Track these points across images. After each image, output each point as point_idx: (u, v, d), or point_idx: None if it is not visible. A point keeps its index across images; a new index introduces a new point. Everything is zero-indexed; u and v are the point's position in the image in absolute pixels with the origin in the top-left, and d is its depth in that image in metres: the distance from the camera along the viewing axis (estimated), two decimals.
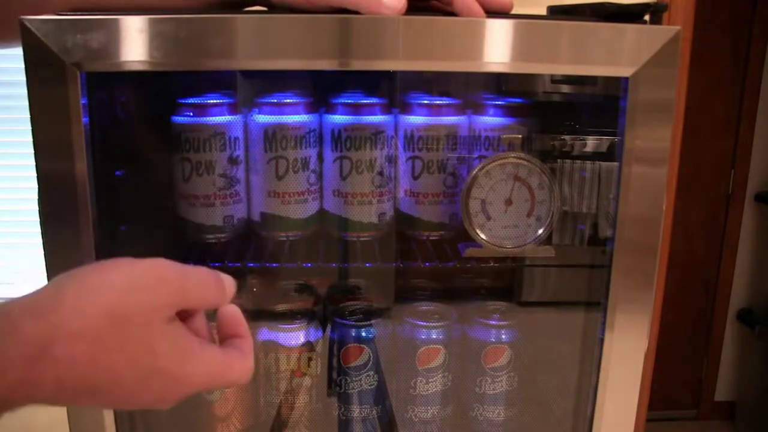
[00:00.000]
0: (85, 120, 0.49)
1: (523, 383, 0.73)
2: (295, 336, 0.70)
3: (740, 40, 2.09)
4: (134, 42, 0.48)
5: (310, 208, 0.66)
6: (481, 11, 0.50)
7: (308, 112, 0.64)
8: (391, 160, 0.66)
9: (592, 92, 0.62)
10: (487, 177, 0.60)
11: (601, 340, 0.57)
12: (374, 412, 0.72)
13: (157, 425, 0.65)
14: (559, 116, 0.64)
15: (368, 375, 0.71)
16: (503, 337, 0.72)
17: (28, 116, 0.48)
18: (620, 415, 0.59)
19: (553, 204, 0.61)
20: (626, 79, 0.51)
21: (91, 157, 0.50)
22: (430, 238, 0.68)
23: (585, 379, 0.62)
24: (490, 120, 0.65)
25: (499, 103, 0.65)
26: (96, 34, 0.47)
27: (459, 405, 0.75)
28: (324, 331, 0.73)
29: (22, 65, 0.47)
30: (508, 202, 0.61)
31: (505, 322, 0.72)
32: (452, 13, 0.50)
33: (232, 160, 0.64)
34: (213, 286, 0.39)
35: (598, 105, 0.62)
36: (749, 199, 2.19)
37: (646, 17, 0.53)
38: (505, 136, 0.62)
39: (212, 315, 0.41)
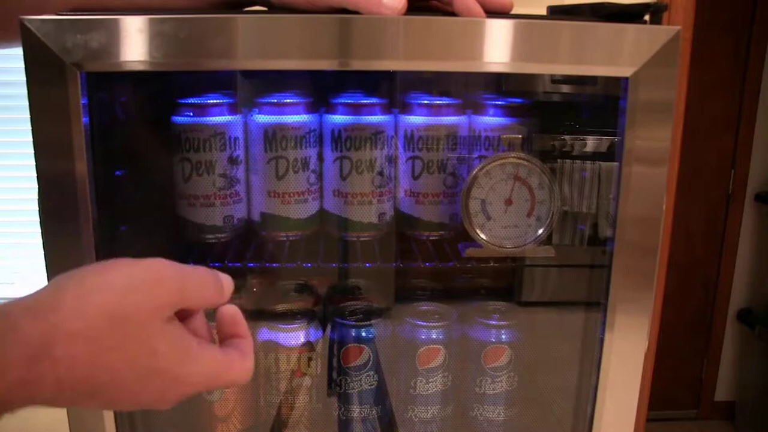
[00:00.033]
0: (85, 120, 0.49)
1: (523, 383, 0.73)
2: (295, 336, 0.70)
3: (740, 40, 2.09)
4: (134, 42, 0.48)
5: (310, 208, 0.66)
6: (481, 11, 0.50)
7: (308, 112, 0.64)
8: (391, 160, 0.66)
9: (592, 92, 0.62)
10: (487, 177, 0.60)
11: (601, 340, 0.57)
12: (374, 412, 0.72)
13: (157, 426, 0.65)
14: (559, 116, 0.64)
15: (368, 375, 0.71)
16: (503, 337, 0.72)
17: (28, 116, 0.48)
18: (620, 415, 0.59)
19: (553, 204, 0.61)
20: (626, 79, 0.51)
21: (91, 157, 0.50)
22: (430, 238, 0.68)
23: (585, 379, 0.62)
24: (490, 120, 0.65)
25: (499, 103, 0.65)
26: (96, 34, 0.47)
27: (459, 405, 0.75)
28: (324, 331, 0.73)
29: (22, 65, 0.47)
30: (508, 202, 0.61)
31: (505, 322, 0.72)
32: (452, 13, 0.50)
33: (232, 160, 0.64)
34: (211, 286, 0.39)
35: (598, 105, 0.62)
36: (749, 199, 2.19)
37: (646, 17, 0.53)
38: (505, 136, 0.62)
39: (212, 315, 0.41)
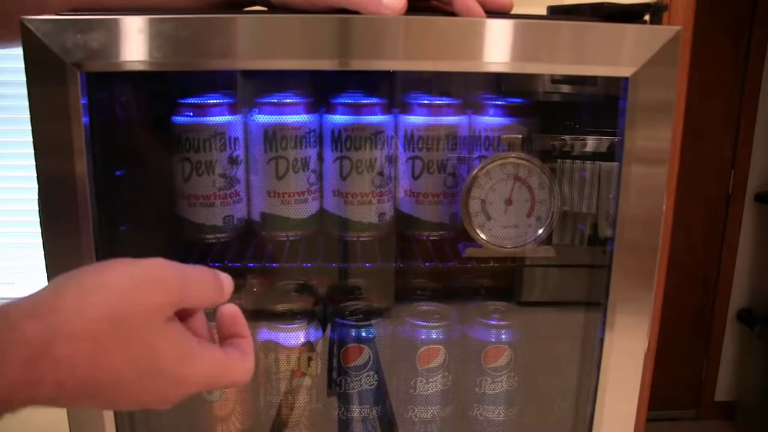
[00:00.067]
0: (85, 120, 0.49)
1: (523, 383, 0.73)
2: (295, 336, 0.70)
3: (740, 40, 2.09)
4: (134, 42, 0.48)
5: (310, 208, 0.66)
6: (481, 11, 0.50)
7: (308, 112, 0.64)
8: (391, 160, 0.66)
9: (592, 92, 0.62)
10: (487, 177, 0.60)
11: (601, 340, 0.57)
12: (374, 412, 0.72)
13: (157, 426, 0.65)
14: (559, 116, 0.64)
15: (368, 375, 0.71)
16: (503, 337, 0.72)
17: (28, 116, 0.48)
18: (620, 415, 0.59)
19: (553, 204, 0.61)
20: (626, 79, 0.51)
21: (91, 157, 0.50)
22: (430, 238, 0.68)
23: (585, 379, 0.62)
24: (490, 120, 0.65)
25: (499, 103, 0.65)
26: (96, 34, 0.47)
27: (459, 405, 0.75)
28: (324, 331, 0.73)
29: (22, 65, 0.47)
30: (508, 202, 0.61)
31: (505, 322, 0.72)
32: (452, 13, 0.50)
33: (232, 160, 0.64)
34: (211, 285, 0.39)
35: (598, 105, 0.62)
36: (749, 199, 2.19)
37: (646, 17, 0.53)
38: (505, 136, 0.62)
39: (212, 315, 0.41)
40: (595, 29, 0.51)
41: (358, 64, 0.50)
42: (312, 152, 0.65)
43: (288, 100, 0.64)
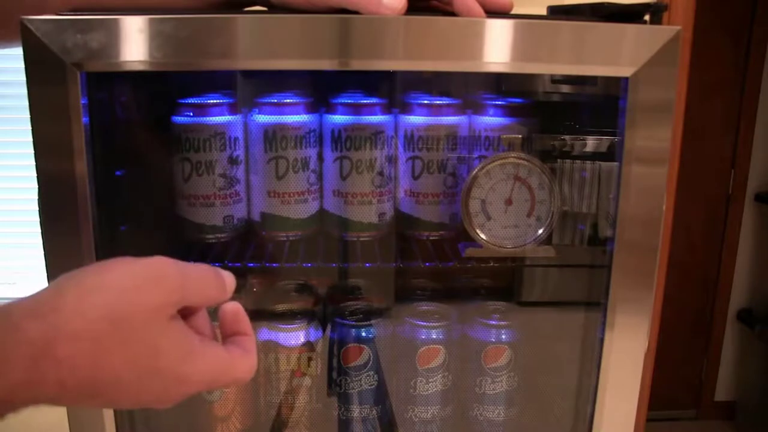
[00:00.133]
0: (85, 120, 0.49)
1: (523, 383, 0.73)
2: (295, 336, 0.70)
3: (740, 40, 2.09)
4: (134, 42, 0.48)
5: (310, 208, 0.66)
6: (481, 11, 0.50)
7: (308, 112, 0.64)
8: (391, 160, 0.66)
9: (592, 92, 0.62)
10: (487, 177, 0.60)
11: (601, 340, 0.57)
12: (374, 412, 0.72)
13: (157, 425, 0.65)
14: (559, 116, 0.64)
15: (368, 375, 0.71)
16: (503, 337, 0.72)
17: (28, 116, 0.48)
18: (620, 415, 0.59)
19: (553, 204, 0.61)
20: (626, 79, 0.51)
21: (91, 157, 0.50)
22: (430, 238, 0.68)
23: (585, 379, 0.62)
24: (490, 120, 0.65)
25: (499, 103, 0.65)
26: (96, 34, 0.47)
27: (459, 405, 0.75)
28: (324, 331, 0.73)
29: (22, 65, 0.47)
30: (508, 202, 0.61)
31: (505, 322, 0.72)
32: (452, 13, 0.50)
33: (232, 160, 0.64)
34: (213, 283, 0.39)
35: (598, 105, 0.62)
36: (749, 199, 2.19)
37: (646, 17, 0.53)
38: (505, 136, 0.62)
39: (215, 313, 0.41)
40: (595, 29, 0.51)
41: (358, 64, 0.50)
42: (312, 152, 0.65)
43: (288, 100, 0.64)
